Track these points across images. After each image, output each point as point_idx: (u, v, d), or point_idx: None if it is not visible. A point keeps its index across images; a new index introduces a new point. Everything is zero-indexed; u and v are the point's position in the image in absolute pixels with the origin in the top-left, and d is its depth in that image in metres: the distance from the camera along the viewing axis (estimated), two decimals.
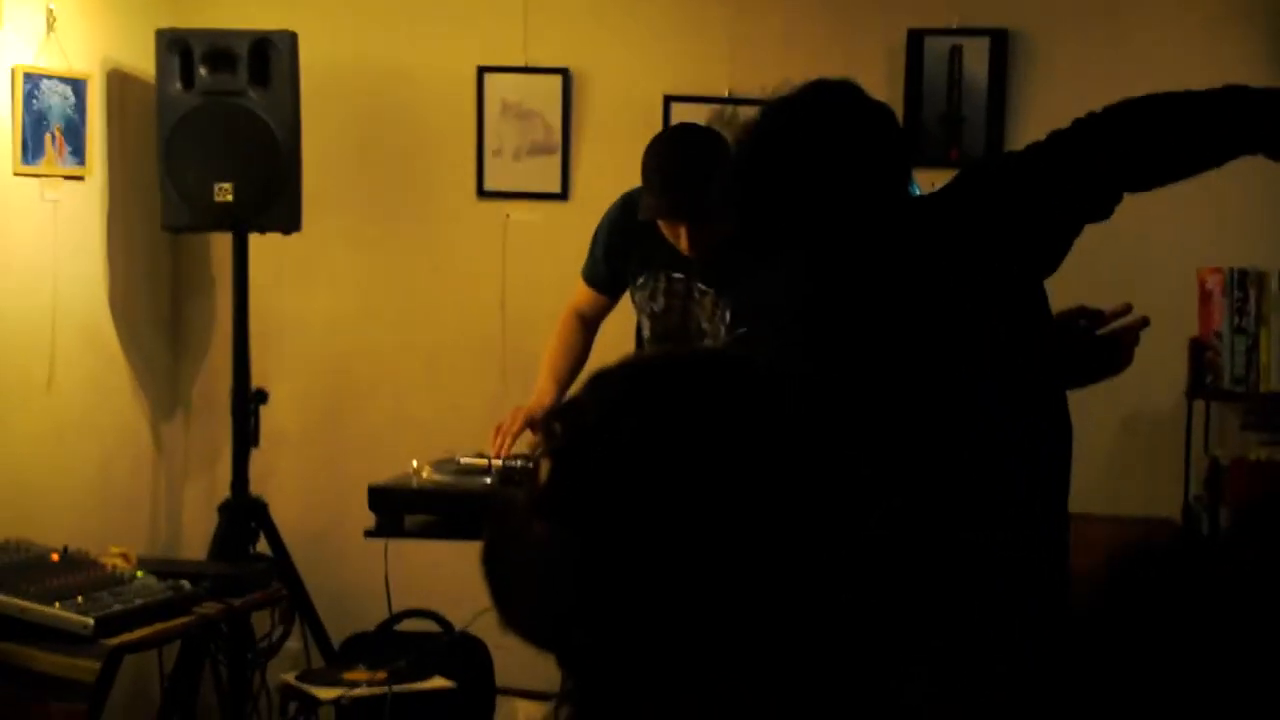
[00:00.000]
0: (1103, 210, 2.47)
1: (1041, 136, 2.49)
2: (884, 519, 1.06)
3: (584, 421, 1.09)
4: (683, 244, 3.70)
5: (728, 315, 3.85)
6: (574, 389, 1.22)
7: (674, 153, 3.71)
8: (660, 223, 3.73)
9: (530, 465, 1.10)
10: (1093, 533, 4.22)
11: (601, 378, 1.13)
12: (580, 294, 4.15)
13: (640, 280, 3.96)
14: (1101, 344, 2.54)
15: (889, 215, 2.39)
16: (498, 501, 1.13)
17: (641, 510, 1.03)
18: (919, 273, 2.37)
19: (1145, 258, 4.56)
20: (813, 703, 1.03)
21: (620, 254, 3.98)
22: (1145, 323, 2.55)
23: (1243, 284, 4.33)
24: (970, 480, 2.28)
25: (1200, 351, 4.35)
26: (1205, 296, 4.37)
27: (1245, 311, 4.32)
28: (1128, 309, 2.59)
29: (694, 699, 1.04)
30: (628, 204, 3.90)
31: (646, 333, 3.99)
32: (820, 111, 2.40)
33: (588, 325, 4.18)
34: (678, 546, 1.02)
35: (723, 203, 2.46)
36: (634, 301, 4.02)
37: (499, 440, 3.98)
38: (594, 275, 4.09)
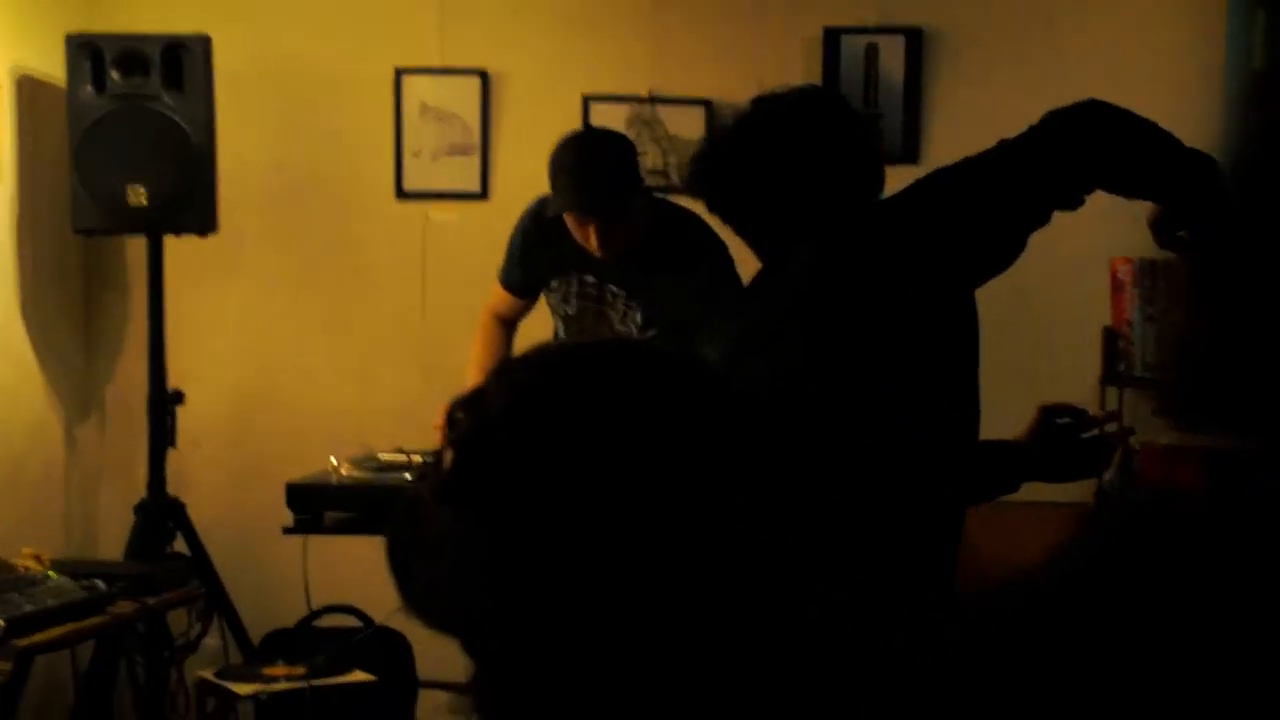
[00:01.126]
0: (1076, 196, 2.30)
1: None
2: (786, 501, 1.07)
3: (488, 408, 1.09)
4: (592, 243, 3.71)
5: (639, 317, 3.87)
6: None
7: (582, 151, 3.72)
8: (570, 223, 3.74)
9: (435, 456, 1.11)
10: (1008, 519, 4.28)
11: (507, 366, 1.14)
12: (496, 297, 4.15)
13: (554, 284, 3.97)
14: (1084, 446, 2.54)
15: (864, 222, 2.34)
16: (403, 494, 1.14)
17: (543, 493, 1.04)
18: (876, 281, 2.31)
19: (1060, 249, 4.58)
20: (716, 680, 1.04)
21: (534, 258, 3.99)
22: (1130, 431, 2.61)
23: (1152, 273, 4.39)
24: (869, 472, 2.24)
25: (1113, 340, 4.41)
26: (1118, 286, 4.43)
27: (1155, 300, 4.39)
28: (1113, 416, 2.67)
29: (598, 679, 1.04)
30: (540, 209, 3.91)
31: (562, 335, 4.00)
32: (810, 113, 2.34)
33: (507, 326, 4.19)
34: (579, 529, 1.03)
35: (697, 186, 2.38)
36: (549, 305, 4.03)
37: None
38: (510, 280, 4.10)
